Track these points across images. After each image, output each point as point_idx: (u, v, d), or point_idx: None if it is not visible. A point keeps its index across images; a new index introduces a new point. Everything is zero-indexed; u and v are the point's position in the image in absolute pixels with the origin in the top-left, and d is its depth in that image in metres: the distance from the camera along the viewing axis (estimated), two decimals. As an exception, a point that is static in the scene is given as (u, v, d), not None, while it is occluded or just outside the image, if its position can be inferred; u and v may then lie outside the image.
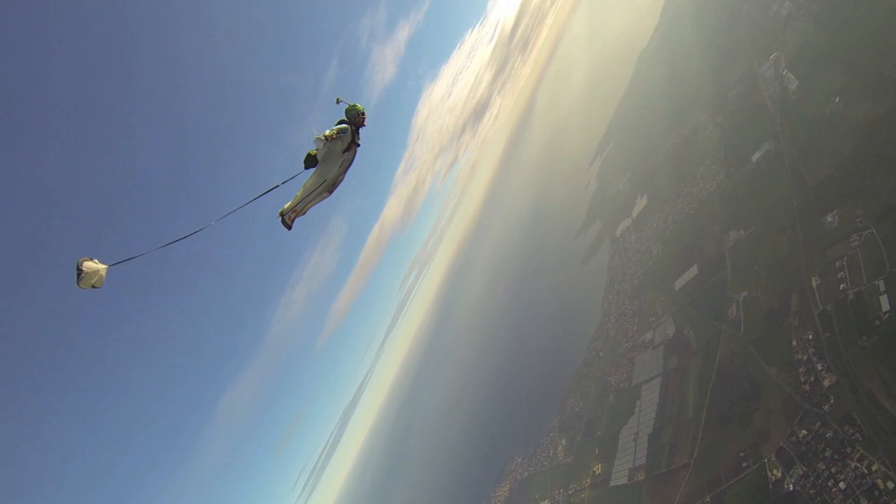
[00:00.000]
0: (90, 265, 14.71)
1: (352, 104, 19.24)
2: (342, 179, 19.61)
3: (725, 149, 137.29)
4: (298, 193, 18.81)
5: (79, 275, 14.54)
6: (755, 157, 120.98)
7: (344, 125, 18.72)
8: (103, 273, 14.88)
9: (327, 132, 18.38)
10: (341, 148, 18.80)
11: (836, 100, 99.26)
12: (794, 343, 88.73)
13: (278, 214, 18.54)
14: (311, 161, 18.98)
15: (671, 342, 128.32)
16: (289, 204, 18.63)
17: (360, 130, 19.44)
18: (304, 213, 19.46)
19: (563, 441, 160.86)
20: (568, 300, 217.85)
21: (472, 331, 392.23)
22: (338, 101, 19.08)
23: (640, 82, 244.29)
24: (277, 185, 18.48)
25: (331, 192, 19.45)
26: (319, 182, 18.79)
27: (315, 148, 18.74)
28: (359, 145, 19.39)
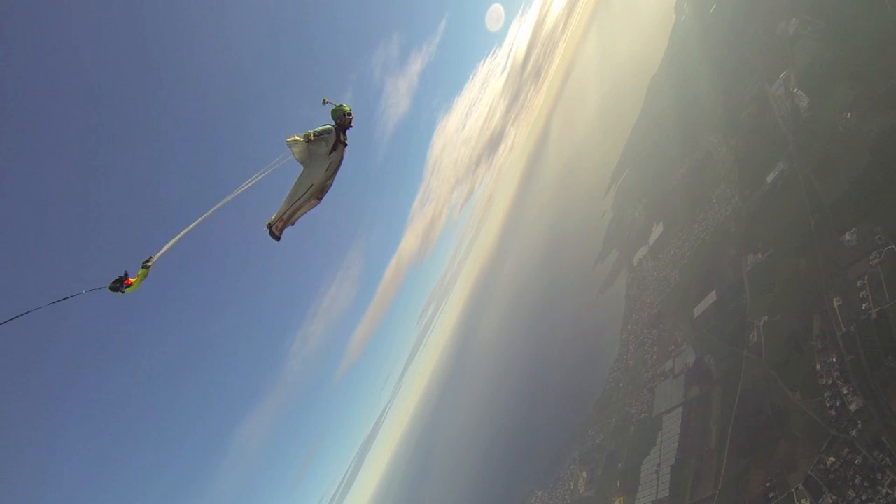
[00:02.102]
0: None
1: (338, 104, 18.60)
2: (331, 184, 18.73)
3: (740, 171, 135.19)
4: (283, 202, 18.04)
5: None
6: (770, 177, 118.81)
7: (328, 126, 18.08)
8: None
9: (305, 133, 17.77)
10: (326, 150, 18.05)
11: (848, 115, 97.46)
12: (818, 367, 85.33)
13: (265, 227, 17.84)
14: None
15: (692, 371, 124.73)
16: (275, 215, 17.90)
17: (348, 131, 18.72)
18: (293, 223, 18.62)
19: (584, 474, 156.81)
20: (586, 331, 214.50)
21: (491, 363, 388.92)
22: (324, 102, 18.49)
23: (653, 108, 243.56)
24: (258, 176, 17.39)
25: (320, 198, 18.62)
26: (305, 187, 17.92)
27: (293, 148, 17.79)
28: (346, 144, 18.60)
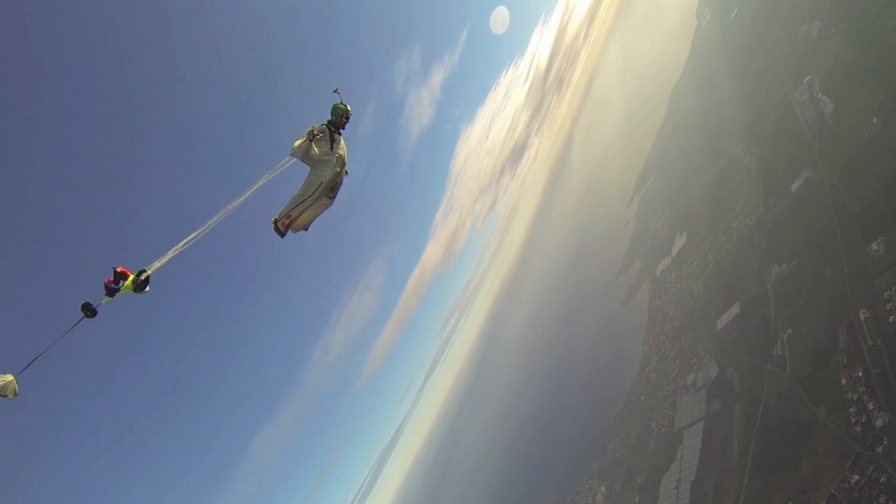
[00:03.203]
0: (2, 378, 14.09)
1: (342, 102, 18.48)
2: (341, 181, 18.52)
3: (764, 180, 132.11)
4: (290, 200, 17.94)
5: None
6: (794, 186, 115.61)
7: (322, 126, 18.03)
8: (15, 384, 14.21)
9: (309, 130, 17.86)
10: (327, 147, 17.97)
11: (874, 119, 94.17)
12: (844, 381, 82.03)
13: (271, 221, 17.62)
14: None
15: (714, 384, 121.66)
16: (283, 210, 17.74)
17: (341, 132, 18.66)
18: (307, 228, 18.43)
19: (603, 488, 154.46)
20: (608, 343, 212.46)
21: (512, 373, 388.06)
22: (335, 91, 18.25)
23: (675, 116, 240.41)
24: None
25: (332, 197, 18.40)
26: (315, 185, 17.62)
27: (297, 152, 17.54)
28: (340, 133, 18.62)
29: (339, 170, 17.99)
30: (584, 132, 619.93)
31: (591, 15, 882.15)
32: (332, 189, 18.20)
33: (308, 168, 17.92)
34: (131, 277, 15.18)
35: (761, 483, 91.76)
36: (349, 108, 18.45)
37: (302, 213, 17.66)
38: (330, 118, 18.25)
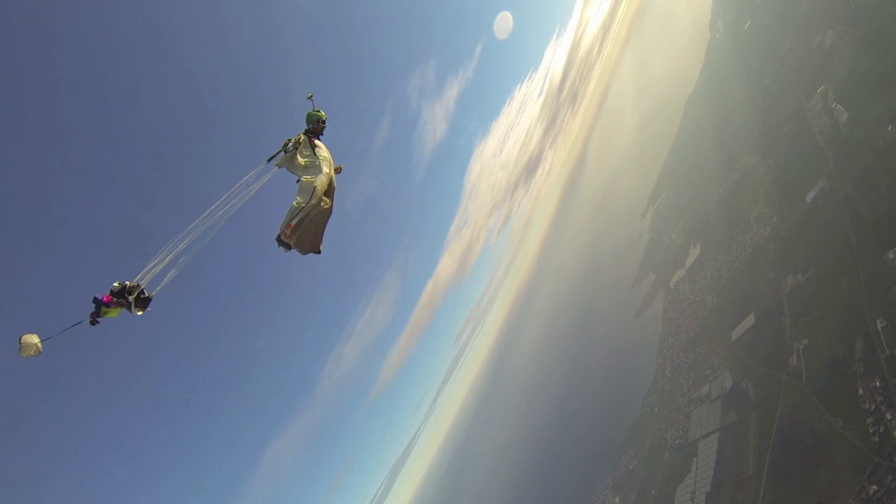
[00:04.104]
0: (27, 338, 15.50)
1: (316, 109, 18.53)
2: (335, 185, 18.23)
3: (778, 190, 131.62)
4: (287, 212, 17.34)
5: (19, 346, 15.32)
6: (809, 196, 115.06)
7: (299, 136, 18.11)
8: (40, 345, 15.60)
9: (283, 144, 18.03)
10: (310, 152, 17.91)
11: (889, 128, 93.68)
12: (861, 391, 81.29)
13: (275, 239, 17.12)
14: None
15: (728, 396, 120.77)
16: (282, 222, 17.22)
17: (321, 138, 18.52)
18: (318, 248, 18.28)
19: (617, 500, 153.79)
20: (622, 354, 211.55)
21: (526, 385, 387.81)
22: (309, 97, 18.38)
23: (689, 128, 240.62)
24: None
25: (330, 201, 17.96)
26: (310, 189, 17.05)
27: (284, 160, 17.84)
28: (320, 139, 18.56)
29: (327, 170, 17.63)
30: (599, 145, 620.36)
31: (605, 29, 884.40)
32: (328, 193, 17.86)
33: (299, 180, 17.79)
34: (114, 311, 16.08)
35: (778, 494, 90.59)
36: (323, 114, 18.54)
37: (303, 219, 17.06)
38: (306, 126, 18.32)
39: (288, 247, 17.22)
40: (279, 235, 16.86)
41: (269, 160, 17.97)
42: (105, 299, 15.92)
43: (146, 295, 16.49)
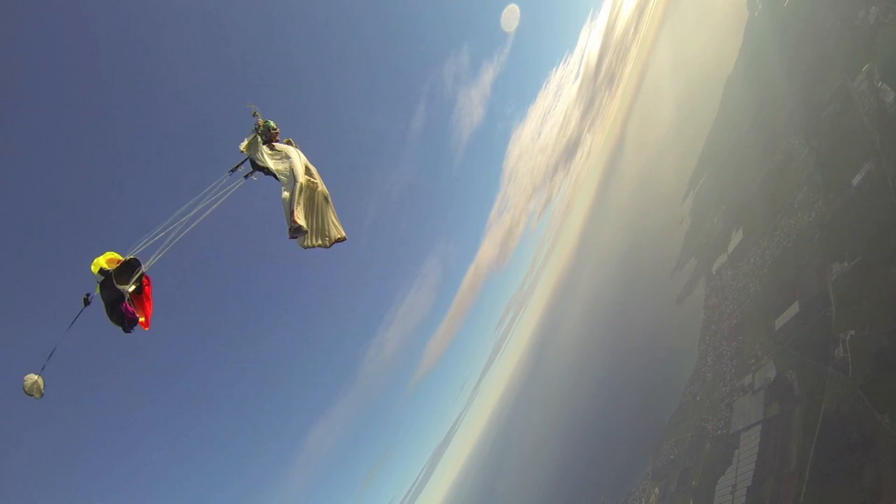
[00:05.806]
0: (29, 378, 15.14)
1: (264, 120, 18.39)
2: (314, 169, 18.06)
3: (823, 174, 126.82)
4: (284, 204, 16.99)
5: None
6: (855, 180, 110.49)
7: (252, 137, 17.90)
8: (40, 383, 15.22)
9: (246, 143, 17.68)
10: (272, 151, 17.86)
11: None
12: (909, 387, 78.71)
13: (289, 236, 16.79)
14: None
15: (772, 387, 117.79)
16: (286, 216, 16.87)
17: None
18: (338, 224, 18.00)
19: (657, 490, 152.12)
20: (663, 341, 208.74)
21: (566, 371, 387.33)
22: (249, 106, 18.28)
23: (729, 110, 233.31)
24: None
25: (315, 182, 17.73)
26: (290, 177, 16.90)
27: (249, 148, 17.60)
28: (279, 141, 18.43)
29: (294, 156, 17.43)
30: (637, 128, 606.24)
31: (640, 9, 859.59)
32: (310, 175, 17.66)
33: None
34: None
35: (820, 491, 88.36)
36: (270, 122, 18.28)
37: (306, 204, 17.00)
38: (260, 138, 17.85)
39: (304, 235, 16.87)
40: (290, 227, 16.45)
41: (233, 171, 17.77)
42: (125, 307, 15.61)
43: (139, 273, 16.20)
